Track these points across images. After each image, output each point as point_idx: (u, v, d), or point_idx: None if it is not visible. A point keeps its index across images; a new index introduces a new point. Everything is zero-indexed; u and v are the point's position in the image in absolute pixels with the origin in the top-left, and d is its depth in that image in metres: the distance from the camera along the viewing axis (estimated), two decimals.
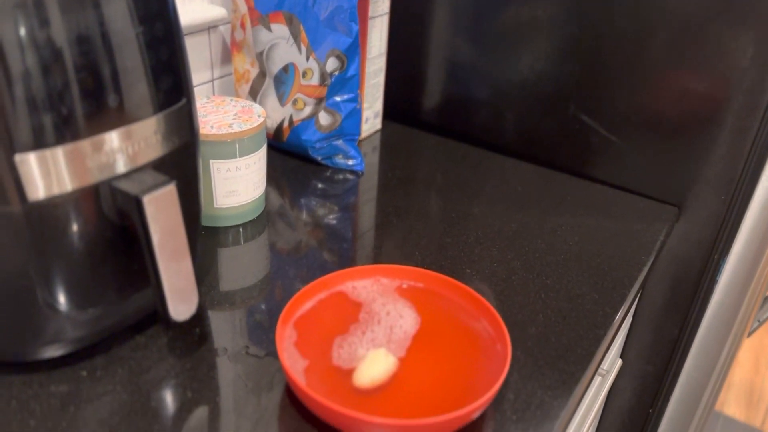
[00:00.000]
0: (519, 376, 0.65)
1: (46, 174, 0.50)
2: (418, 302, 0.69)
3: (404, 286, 0.71)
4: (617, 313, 0.75)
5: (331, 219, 0.90)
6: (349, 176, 1.01)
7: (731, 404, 1.95)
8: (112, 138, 0.54)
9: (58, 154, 0.50)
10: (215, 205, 0.82)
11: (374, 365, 0.60)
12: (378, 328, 0.65)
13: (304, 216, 0.90)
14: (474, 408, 0.55)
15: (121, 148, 0.55)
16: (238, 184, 0.82)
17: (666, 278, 1.03)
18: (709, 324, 1.04)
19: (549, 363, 0.67)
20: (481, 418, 0.60)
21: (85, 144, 0.52)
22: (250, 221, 0.87)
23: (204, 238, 0.83)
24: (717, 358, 1.08)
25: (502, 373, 0.59)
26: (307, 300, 0.67)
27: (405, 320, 0.66)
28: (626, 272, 0.82)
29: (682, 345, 1.07)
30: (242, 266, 0.79)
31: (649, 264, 0.85)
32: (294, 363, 0.60)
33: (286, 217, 0.90)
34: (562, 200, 0.97)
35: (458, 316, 0.68)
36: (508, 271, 0.81)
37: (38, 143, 0.49)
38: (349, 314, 0.67)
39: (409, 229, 0.88)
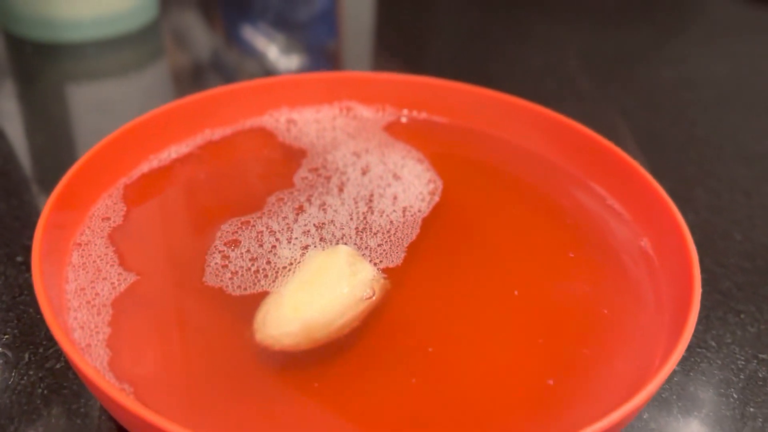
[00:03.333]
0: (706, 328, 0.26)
1: None
2: (437, 152, 0.30)
3: (403, 119, 0.32)
4: None
5: (292, 53, 0.51)
6: None
7: None
8: None
9: None
10: None
11: (318, 289, 0.22)
12: (337, 202, 0.26)
13: (245, 49, 0.51)
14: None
15: None
16: None
17: None
18: None
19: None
20: None
21: None
22: (129, 35, 0.47)
23: (35, 60, 0.44)
24: None
25: (686, 319, 0.20)
26: (170, 143, 0.28)
27: (405, 187, 0.28)
28: None
29: None
30: (110, 111, 0.40)
31: None
32: (90, 283, 0.22)
33: (209, 50, 0.51)
34: (683, 18, 0.56)
35: (533, 182, 0.29)
36: (614, 114, 0.41)
37: None
38: (272, 174, 0.28)
39: (425, 52, 0.49)
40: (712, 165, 0.37)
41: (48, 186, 0.32)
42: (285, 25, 0.55)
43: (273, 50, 0.52)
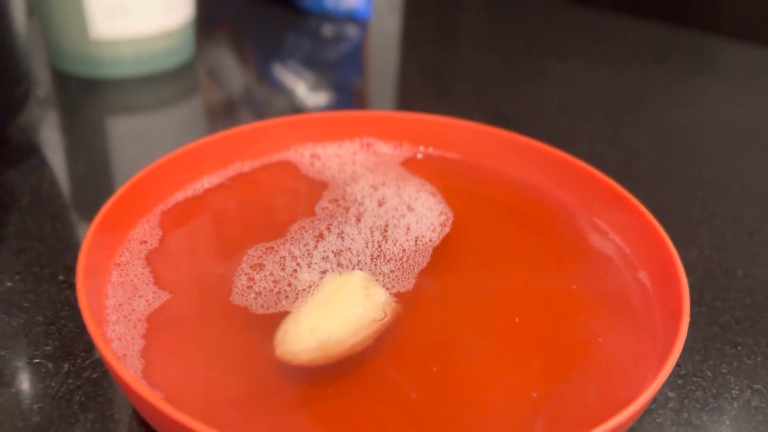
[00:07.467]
0: (689, 359, 0.28)
1: None
2: (449, 186, 0.32)
3: (419, 155, 0.34)
4: None
5: (320, 91, 0.53)
6: (350, 31, 0.64)
7: None
8: None
9: None
10: (93, 35, 0.47)
11: (334, 310, 0.24)
12: (354, 231, 0.28)
13: (275, 86, 0.54)
14: None
15: None
16: None
17: None
18: None
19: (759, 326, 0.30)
20: None
21: None
22: (167, 73, 0.50)
23: (78, 94, 0.48)
24: None
25: (672, 347, 0.22)
26: (204, 174, 0.31)
27: (418, 218, 0.30)
28: None
29: None
30: (147, 143, 0.43)
31: None
32: (128, 299, 0.24)
33: (241, 86, 0.54)
34: (699, 62, 0.58)
35: (539, 216, 0.31)
36: (626, 154, 0.43)
37: None
38: (295, 204, 0.31)
39: (445, 91, 0.52)
40: (718, 205, 0.38)
41: (88, 211, 0.35)
42: (313, 64, 0.58)
43: (302, 88, 0.55)
